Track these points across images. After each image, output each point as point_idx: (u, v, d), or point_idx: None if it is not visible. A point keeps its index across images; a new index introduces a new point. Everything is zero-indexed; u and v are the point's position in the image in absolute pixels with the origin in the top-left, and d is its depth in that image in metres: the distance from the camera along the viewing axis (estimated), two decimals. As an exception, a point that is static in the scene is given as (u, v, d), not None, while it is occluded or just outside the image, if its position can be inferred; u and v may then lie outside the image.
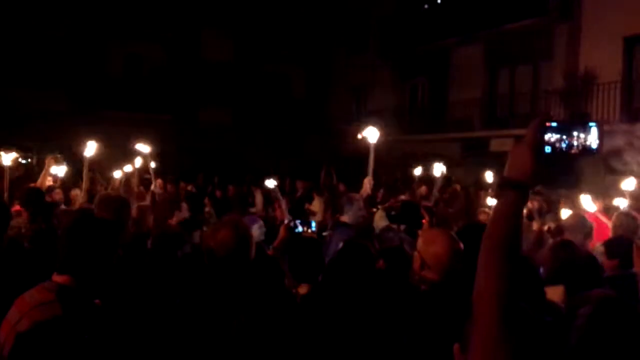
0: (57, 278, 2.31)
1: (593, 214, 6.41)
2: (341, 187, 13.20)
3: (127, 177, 8.66)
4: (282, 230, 4.05)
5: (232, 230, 2.72)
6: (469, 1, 17.98)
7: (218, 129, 21.22)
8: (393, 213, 5.70)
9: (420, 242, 2.97)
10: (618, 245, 4.30)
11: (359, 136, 6.11)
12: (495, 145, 16.85)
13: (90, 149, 6.68)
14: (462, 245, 2.82)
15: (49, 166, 6.21)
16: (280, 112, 22.85)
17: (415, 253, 2.94)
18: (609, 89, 14.45)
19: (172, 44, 21.60)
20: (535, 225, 6.05)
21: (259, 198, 9.81)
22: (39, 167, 8.90)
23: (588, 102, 14.95)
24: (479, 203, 8.97)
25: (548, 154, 1.45)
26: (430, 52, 19.76)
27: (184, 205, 7.27)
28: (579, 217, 5.44)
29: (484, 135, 17.51)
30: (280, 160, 18.85)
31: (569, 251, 3.98)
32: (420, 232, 4.33)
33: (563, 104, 15.43)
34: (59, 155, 6.29)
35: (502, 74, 18.61)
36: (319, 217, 7.99)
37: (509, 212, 1.45)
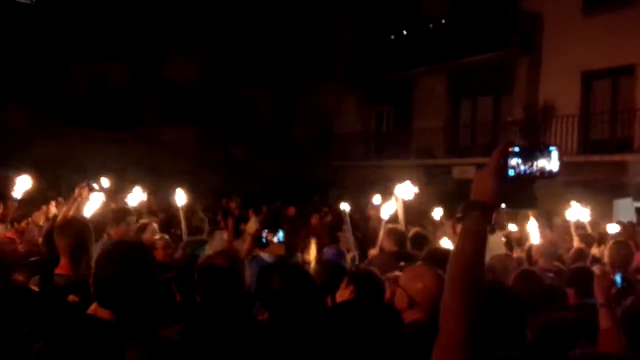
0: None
1: None
2: (291, 212, 13.26)
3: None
4: (248, 241, 4.01)
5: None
6: (434, 33, 18.41)
7: (180, 149, 21.07)
8: None
9: (404, 278, 2.84)
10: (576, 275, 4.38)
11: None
12: (457, 173, 17.15)
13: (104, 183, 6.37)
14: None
15: (80, 196, 5.29)
16: (245, 134, 22.83)
17: (399, 290, 2.79)
18: (567, 122, 14.90)
19: (136, 63, 21.44)
20: (516, 254, 6.18)
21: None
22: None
23: (547, 134, 15.38)
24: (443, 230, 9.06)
25: (511, 177, 1.55)
26: (395, 81, 20.09)
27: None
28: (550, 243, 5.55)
29: (446, 163, 17.81)
30: (243, 182, 18.77)
31: (529, 281, 4.06)
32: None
33: (522, 135, 15.83)
34: (95, 185, 5.46)
35: (464, 104, 19.04)
36: None
37: (475, 232, 1.54)
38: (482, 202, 1.54)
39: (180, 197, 6.86)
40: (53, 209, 7.15)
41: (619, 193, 13.02)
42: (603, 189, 11.34)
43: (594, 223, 8.14)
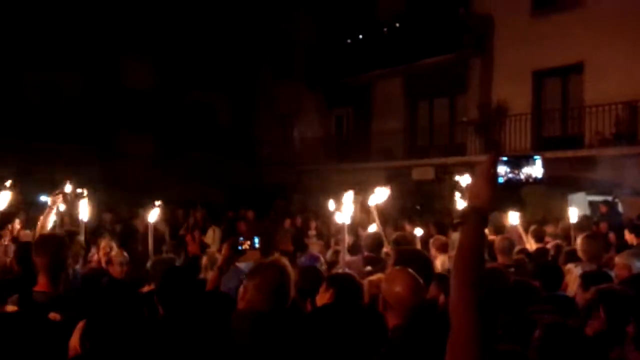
0: None
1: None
2: (250, 215, 13.30)
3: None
4: (225, 249, 3.99)
5: None
6: (389, 37, 18.70)
7: (139, 159, 20.67)
8: None
9: (383, 282, 2.90)
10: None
11: None
12: (416, 174, 17.44)
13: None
14: (422, 283, 2.80)
15: (55, 205, 5.07)
16: (205, 140, 22.58)
17: (380, 295, 2.85)
18: (520, 120, 15.35)
19: (90, 71, 20.95)
20: None
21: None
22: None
23: (501, 132, 15.80)
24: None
25: (500, 183, 1.72)
26: (354, 83, 20.30)
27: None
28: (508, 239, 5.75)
29: (406, 164, 18.07)
30: (205, 189, 18.57)
31: (494, 279, 4.22)
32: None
33: (478, 134, 16.22)
34: (68, 193, 5.29)
35: (421, 106, 19.38)
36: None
37: (475, 234, 1.70)
38: (478, 207, 1.70)
39: (153, 215, 6.73)
40: (17, 227, 7.00)
41: (572, 188, 13.49)
42: (557, 185, 11.71)
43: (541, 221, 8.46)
